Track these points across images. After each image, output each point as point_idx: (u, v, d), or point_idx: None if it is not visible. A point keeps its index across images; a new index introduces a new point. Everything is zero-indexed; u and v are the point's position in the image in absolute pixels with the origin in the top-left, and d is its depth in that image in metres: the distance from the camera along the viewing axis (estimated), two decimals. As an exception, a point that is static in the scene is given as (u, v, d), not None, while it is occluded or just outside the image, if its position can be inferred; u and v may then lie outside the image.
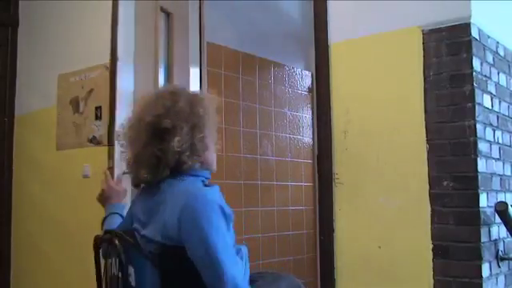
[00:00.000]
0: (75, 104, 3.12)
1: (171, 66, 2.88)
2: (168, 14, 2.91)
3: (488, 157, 2.27)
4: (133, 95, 2.77)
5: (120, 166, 2.39)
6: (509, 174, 2.51)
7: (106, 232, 1.79)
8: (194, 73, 3.10)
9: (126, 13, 2.79)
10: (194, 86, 3.07)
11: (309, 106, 4.36)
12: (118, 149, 2.25)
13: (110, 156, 2.81)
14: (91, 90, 3.05)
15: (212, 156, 1.81)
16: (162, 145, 1.68)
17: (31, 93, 3.28)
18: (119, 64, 2.73)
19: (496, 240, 2.26)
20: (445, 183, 2.20)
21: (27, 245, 3.26)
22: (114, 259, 1.69)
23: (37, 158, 3.28)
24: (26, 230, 3.24)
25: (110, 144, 2.82)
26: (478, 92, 2.21)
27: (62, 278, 3.06)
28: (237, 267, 1.60)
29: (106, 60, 2.90)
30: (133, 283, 1.66)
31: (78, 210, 3.02)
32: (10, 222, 3.21)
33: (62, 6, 3.30)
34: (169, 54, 2.89)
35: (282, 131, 4.12)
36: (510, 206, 2.19)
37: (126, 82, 2.76)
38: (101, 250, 1.78)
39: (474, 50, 2.21)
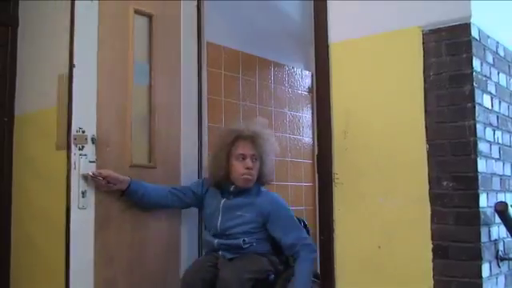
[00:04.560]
0: (75, 104, 3.10)
1: (153, 69, 2.92)
2: (150, 17, 2.92)
3: (488, 157, 2.27)
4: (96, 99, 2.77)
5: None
6: (509, 174, 2.50)
7: None
8: (189, 74, 3.09)
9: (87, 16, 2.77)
10: (191, 86, 3.08)
11: (309, 106, 4.37)
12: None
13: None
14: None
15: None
16: None
17: (31, 93, 3.28)
18: (75, 70, 2.73)
19: (496, 240, 2.26)
20: (445, 183, 2.20)
21: (27, 245, 3.26)
22: None
23: (37, 158, 3.27)
24: (25, 230, 3.23)
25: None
26: (477, 92, 2.21)
27: (62, 278, 3.05)
28: None
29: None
30: None
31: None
32: (10, 222, 3.20)
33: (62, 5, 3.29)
34: (151, 57, 2.91)
35: (282, 131, 4.12)
36: (510, 206, 2.19)
37: (84, 87, 2.74)
38: None
39: (474, 50, 2.21)
